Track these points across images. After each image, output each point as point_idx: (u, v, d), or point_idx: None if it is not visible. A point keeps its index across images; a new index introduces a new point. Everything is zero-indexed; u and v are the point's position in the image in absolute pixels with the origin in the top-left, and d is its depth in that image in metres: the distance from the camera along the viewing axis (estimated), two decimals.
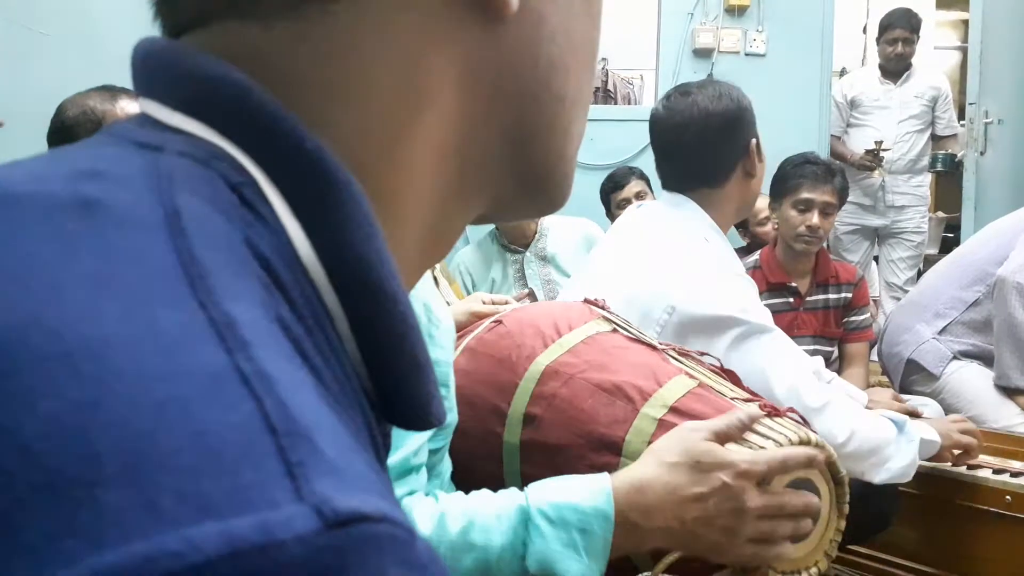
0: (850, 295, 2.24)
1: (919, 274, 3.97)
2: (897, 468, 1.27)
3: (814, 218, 2.12)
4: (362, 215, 0.27)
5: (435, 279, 2.08)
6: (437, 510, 0.77)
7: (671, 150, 1.42)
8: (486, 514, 0.77)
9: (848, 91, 3.86)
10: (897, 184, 3.77)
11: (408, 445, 0.76)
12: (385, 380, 0.28)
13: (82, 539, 0.17)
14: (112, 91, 1.35)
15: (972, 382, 2.12)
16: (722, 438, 0.83)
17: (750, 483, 0.80)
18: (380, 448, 0.28)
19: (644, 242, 1.39)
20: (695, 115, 1.39)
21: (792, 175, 2.16)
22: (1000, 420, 2.04)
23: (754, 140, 1.40)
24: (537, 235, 2.71)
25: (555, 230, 2.70)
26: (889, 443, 1.28)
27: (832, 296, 2.23)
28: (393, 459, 0.75)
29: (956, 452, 1.50)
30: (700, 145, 1.38)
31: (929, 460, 1.56)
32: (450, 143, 0.32)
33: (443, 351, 0.82)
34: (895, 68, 3.77)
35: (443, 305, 0.85)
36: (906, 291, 3.72)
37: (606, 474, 0.80)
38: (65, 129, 1.33)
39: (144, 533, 0.17)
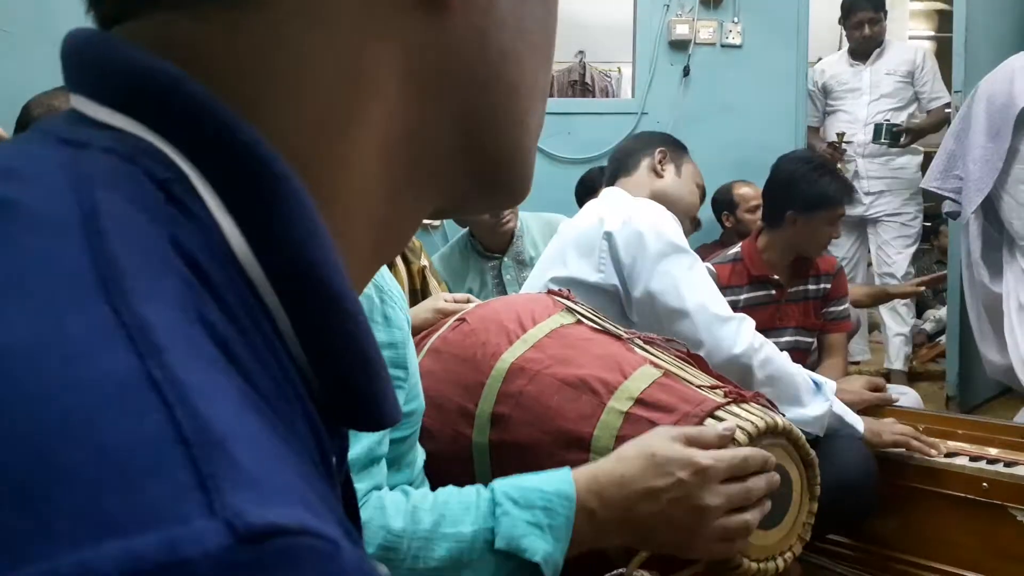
0: (829, 286, 2.25)
1: (918, 267, 3.77)
2: (803, 416, 1.40)
3: (839, 230, 2.23)
4: (302, 209, 0.26)
5: (425, 278, 2.07)
6: (409, 505, 0.80)
7: (607, 169, 1.81)
8: (455, 506, 0.80)
9: (820, 78, 3.74)
10: (872, 169, 3.56)
11: (370, 435, 0.78)
12: (333, 380, 0.27)
13: None
14: None
15: None
16: (692, 441, 0.81)
17: (710, 482, 0.78)
18: (328, 450, 0.27)
19: (582, 211, 1.67)
20: (626, 140, 1.91)
21: (829, 188, 2.13)
22: None
23: (661, 149, 1.72)
24: (516, 238, 2.50)
25: (532, 231, 2.52)
26: (800, 387, 1.41)
27: (812, 287, 2.24)
28: (356, 450, 0.76)
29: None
30: (617, 152, 1.81)
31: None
32: (397, 136, 0.30)
33: (400, 332, 0.82)
34: (865, 49, 3.60)
35: (394, 283, 0.86)
36: (897, 277, 3.48)
37: (568, 467, 0.82)
38: None
39: (34, 557, 0.16)
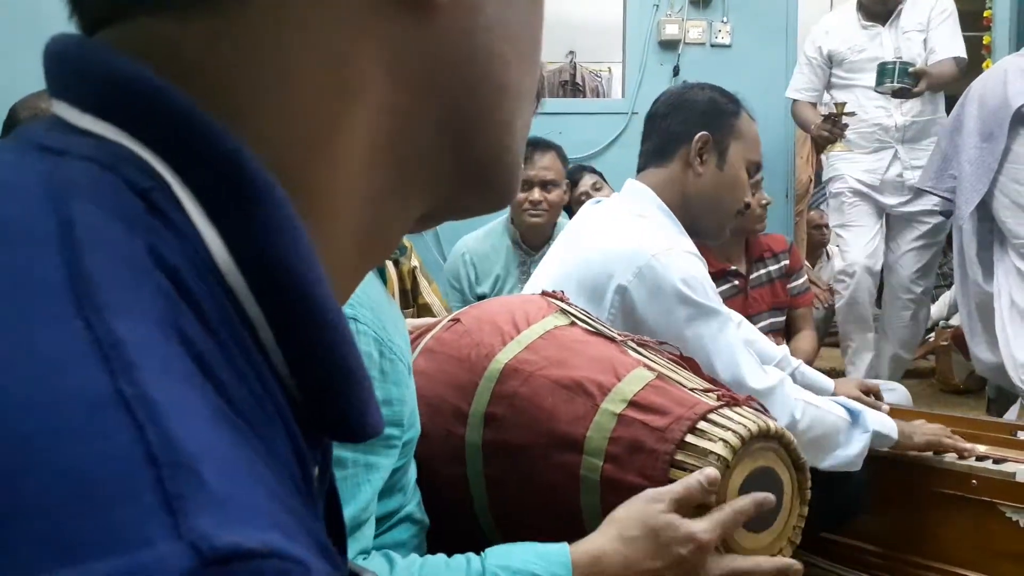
0: (788, 262, 2.32)
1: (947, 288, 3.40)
2: (845, 456, 1.31)
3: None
4: (285, 219, 0.26)
5: (415, 278, 2.06)
6: (392, 574, 0.77)
7: (644, 130, 1.48)
8: None
9: (824, 43, 2.93)
10: (914, 155, 2.82)
11: (358, 500, 0.74)
12: (314, 391, 0.27)
13: None
14: None
15: None
16: (683, 505, 0.82)
17: (709, 554, 0.81)
18: (308, 464, 0.27)
19: (588, 231, 1.41)
20: (670, 96, 1.48)
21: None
22: None
23: (702, 135, 1.39)
24: (552, 238, 2.42)
25: None
26: (839, 431, 1.31)
27: (772, 268, 2.30)
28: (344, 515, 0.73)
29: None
30: (657, 119, 1.45)
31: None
32: (383, 140, 0.30)
33: (397, 388, 0.79)
34: (882, 10, 2.83)
35: (399, 333, 0.82)
36: (914, 291, 2.94)
37: (566, 544, 0.80)
38: None
39: None
